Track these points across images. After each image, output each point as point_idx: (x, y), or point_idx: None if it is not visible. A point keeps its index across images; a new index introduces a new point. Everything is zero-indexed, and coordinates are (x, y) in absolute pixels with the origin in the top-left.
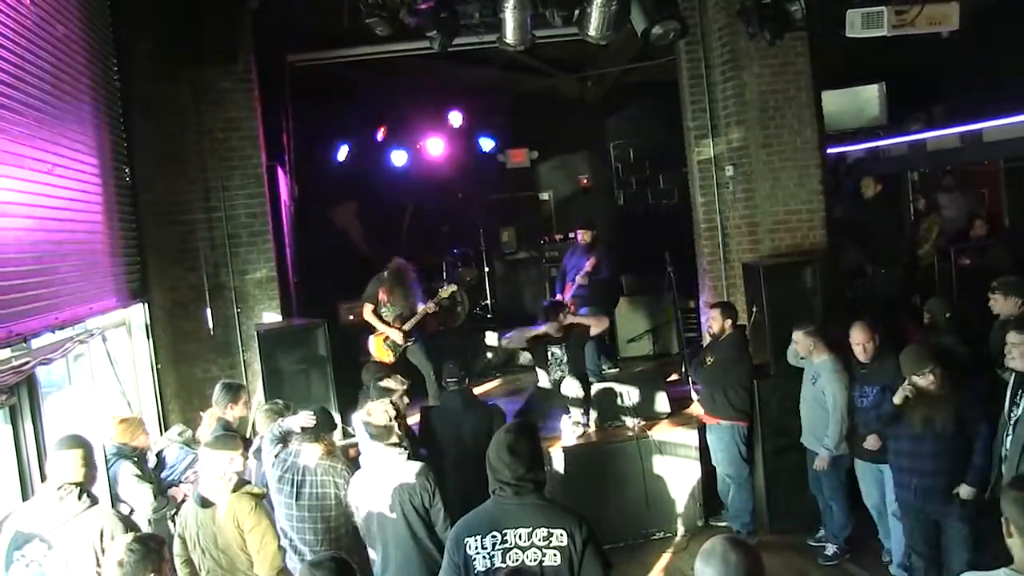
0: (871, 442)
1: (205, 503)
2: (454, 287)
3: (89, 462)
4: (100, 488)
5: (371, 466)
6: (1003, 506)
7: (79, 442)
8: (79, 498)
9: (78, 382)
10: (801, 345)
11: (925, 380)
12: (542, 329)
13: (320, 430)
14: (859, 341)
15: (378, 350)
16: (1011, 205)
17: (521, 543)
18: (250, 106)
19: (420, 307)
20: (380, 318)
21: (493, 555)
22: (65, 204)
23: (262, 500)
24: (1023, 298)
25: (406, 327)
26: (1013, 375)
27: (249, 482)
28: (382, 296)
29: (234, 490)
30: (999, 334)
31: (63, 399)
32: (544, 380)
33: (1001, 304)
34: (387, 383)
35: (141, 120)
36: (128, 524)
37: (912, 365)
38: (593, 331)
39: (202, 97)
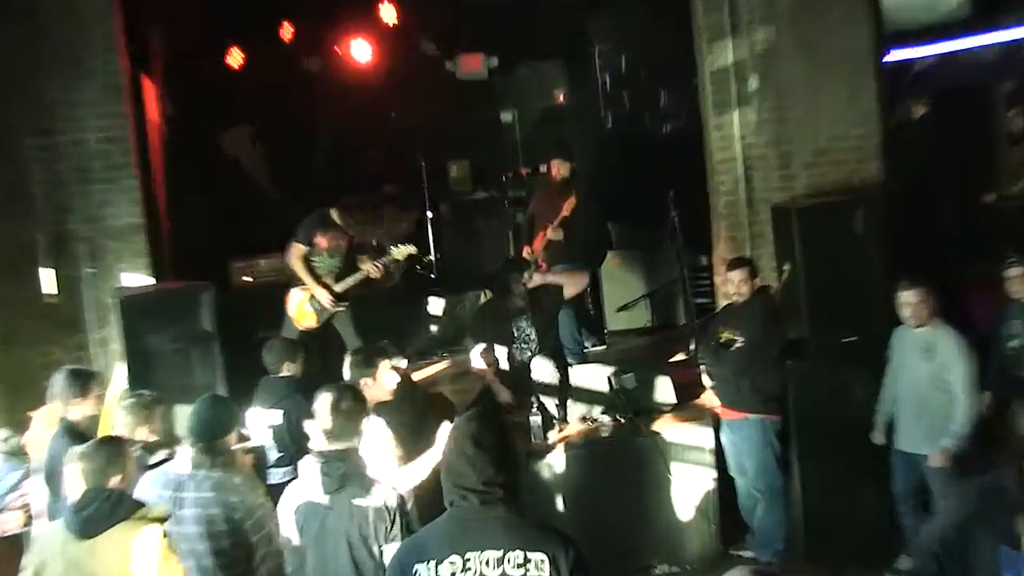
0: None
1: (83, 533)
2: (413, 248)
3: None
4: None
5: (309, 483)
6: None
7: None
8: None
9: None
10: (915, 309)
11: None
12: None
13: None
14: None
15: (298, 311)
16: None
17: (488, 571)
18: None
19: (365, 266)
20: (310, 269)
21: None
22: None
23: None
24: None
25: (339, 288)
26: None
27: (143, 504)
28: (319, 240)
29: (125, 516)
30: None
31: None
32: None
33: None
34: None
35: None
36: None
37: None
38: (568, 293)
39: None
